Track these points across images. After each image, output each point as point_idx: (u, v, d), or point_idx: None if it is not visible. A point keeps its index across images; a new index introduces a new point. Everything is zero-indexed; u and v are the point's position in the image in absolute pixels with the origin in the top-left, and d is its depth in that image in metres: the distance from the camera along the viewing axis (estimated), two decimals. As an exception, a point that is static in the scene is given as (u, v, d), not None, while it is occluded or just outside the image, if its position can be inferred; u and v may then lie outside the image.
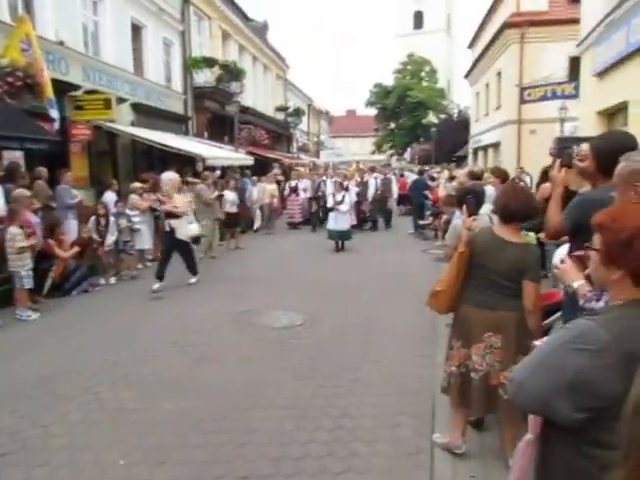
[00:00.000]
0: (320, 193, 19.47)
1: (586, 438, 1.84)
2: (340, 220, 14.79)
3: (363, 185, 19.38)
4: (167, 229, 10.37)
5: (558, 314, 4.47)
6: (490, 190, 7.25)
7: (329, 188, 18.02)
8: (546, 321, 4.40)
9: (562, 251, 4.22)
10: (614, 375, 1.71)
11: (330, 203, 15.55)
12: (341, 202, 14.88)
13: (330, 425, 4.86)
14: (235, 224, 15.56)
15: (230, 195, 15.28)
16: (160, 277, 10.15)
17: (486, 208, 5.80)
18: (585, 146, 3.89)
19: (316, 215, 19.85)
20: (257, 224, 19.16)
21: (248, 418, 5.00)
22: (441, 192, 14.09)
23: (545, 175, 11.08)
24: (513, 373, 2.03)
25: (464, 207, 4.41)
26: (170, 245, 10.43)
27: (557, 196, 3.94)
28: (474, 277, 4.05)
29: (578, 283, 2.76)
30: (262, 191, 19.12)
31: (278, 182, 21.85)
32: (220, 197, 14.16)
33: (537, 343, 2.58)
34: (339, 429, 4.80)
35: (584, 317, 1.97)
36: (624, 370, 1.66)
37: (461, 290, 4.13)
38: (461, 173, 12.11)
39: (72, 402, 5.34)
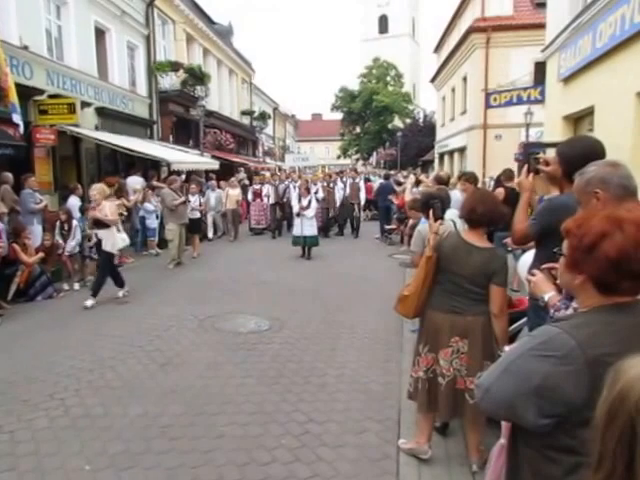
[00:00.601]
0: (285, 199, 18.83)
1: (550, 443, 1.86)
2: (306, 226, 14.28)
3: (329, 191, 18.74)
4: (94, 240, 9.83)
5: (523, 320, 4.58)
6: (456, 195, 7.27)
7: (294, 193, 17.18)
8: (511, 327, 4.45)
9: (527, 257, 4.32)
10: (579, 381, 1.73)
11: (296, 208, 14.80)
12: (307, 207, 14.35)
13: (297, 430, 4.88)
14: (196, 230, 15.06)
15: (191, 200, 14.86)
16: (122, 284, 9.87)
17: (450, 213, 5.87)
18: (551, 152, 3.92)
19: (278, 221, 19.36)
20: (211, 233, 18.25)
21: (215, 423, 5.00)
22: (407, 197, 14.00)
23: (499, 181, 11.30)
24: (481, 379, 2.03)
25: (430, 212, 4.42)
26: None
27: (524, 202, 3.96)
28: (441, 282, 4.09)
29: (549, 295, 2.79)
30: (225, 197, 18.57)
31: (244, 187, 21.65)
32: (184, 202, 13.59)
33: (507, 348, 2.63)
34: (306, 434, 4.81)
35: (550, 323, 1.99)
36: (590, 376, 1.69)
37: (428, 295, 4.15)
38: (429, 179, 12.16)
39: (38, 408, 5.30)
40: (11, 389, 5.78)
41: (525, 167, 4.07)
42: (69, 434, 4.80)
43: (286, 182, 19.95)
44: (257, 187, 19.68)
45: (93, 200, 9.52)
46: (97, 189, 9.62)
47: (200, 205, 15.34)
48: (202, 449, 4.57)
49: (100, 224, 9.42)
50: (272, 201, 19.08)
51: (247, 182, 23.46)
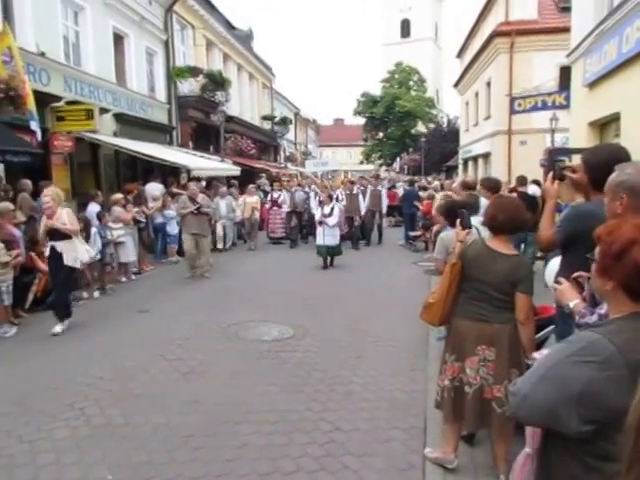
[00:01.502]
0: (305, 206, 18.29)
1: (590, 450, 1.85)
2: (329, 234, 13.66)
3: (352, 198, 17.60)
4: (49, 253, 8.38)
5: (550, 328, 4.58)
6: (484, 201, 7.06)
7: (314, 200, 17.16)
8: (539, 335, 4.42)
9: (554, 263, 4.27)
10: (621, 386, 1.72)
11: (317, 216, 14.26)
12: (329, 215, 13.76)
13: (322, 439, 4.81)
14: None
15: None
16: (68, 314, 8.47)
17: (474, 220, 5.63)
18: (577, 158, 3.87)
19: (296, 230, 18.29)
20: (220, 244, 16.86)
21: (238, 433, 4.91)
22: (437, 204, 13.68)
23: (513, 191, 11.15)
24: (516, 386, 2.02)
25: (457, 220, 4.32)
26: (57, 273, 8.41)
27: (550, 209, 3.97)
28: (467, 289, 4.05)
29: (574, 303, 2.82)
30: (242, 204, 17.74)
31: (266, 193, 21.39)
32: (193, 212, 12.60)
33: (536, 356, 2.83)
34: (331, 443, 4.74)
35: (587, 329, 2.01)
36: (630, 381, 1.66)
37: (454, 303, 4.12)
38: (453, 185, 11.91)
39: (57, 418, 5.21)
40: (30, 399, 5.71)
41: (550, 174, 4.07)
42: (90, 444, 4.73)
43: (306, 189, 19.47)
44: (275, 195, 18.95)
45: (46, 207, 8.22)
46: (50, 194, 8.29)
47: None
48: (225, 458, 4.49)
49: (58, 235, 8.24)
50: (288, 209, 18.23)
51: (267, 188, 22.99)
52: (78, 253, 8.44)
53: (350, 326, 8.39)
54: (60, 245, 8.23)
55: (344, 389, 5.91)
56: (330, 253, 13.79)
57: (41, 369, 6.68)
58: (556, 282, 3.08)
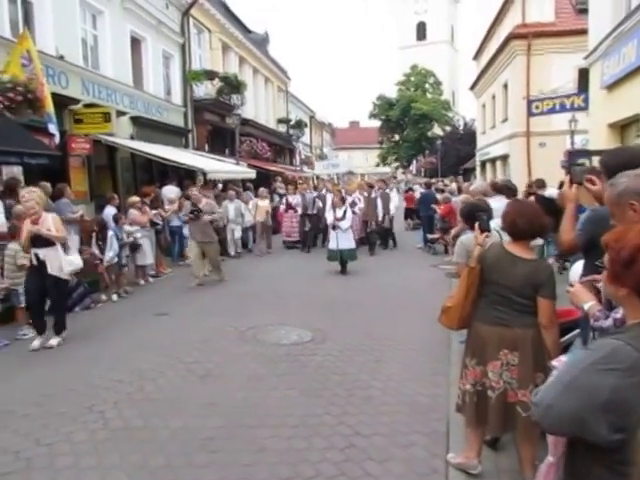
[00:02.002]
0: (315, 210, 17.72)
1: (617, 457, 1.83)
2: (342, 239, 13.12)
3: (369, 201, 16.95)
4: (34, 262, 7.64)
5: (576, 332, 4.46)
6: (497, 204, 6.97)
7: (328, 203, 15.65)
8: (564, 338, 4.36)
9: (578, 266, 4.21)
10: None
11: (330, 220, 13.70)
12: (342, 218, 13.29)
13: (342, 444, 4.73)
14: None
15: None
16: (41, 329, 7.77)
17: (494, 223, 5.60)
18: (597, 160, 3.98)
19: (310, 234, 17.86)
20: (232, 249, 16.34)
21: (256, 437, 4.87)
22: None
23: (531, 194, 11.10)
24: (539, 396, 1.98)
25: (476, 224, 4.26)
26: (39, 286, 7.68)
27: (570, 212, 3.94)
28: (486, 294, 4.00)
29: (588, 305, 2.82)
30: (254, 208, 17.15)
31: (281, 196, 21.25)
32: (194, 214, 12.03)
33: (555, 364, 2.76)
34: (351, 448, 4.67)
35: (608, 336, 1.99)
36: None
37: (473, 307, 4.07)
38: (472, 187, 11.80)
39: (76, 421, 5.21)
40: (49, 401, 5.69)
41: (568, 178, 4.07)
42: (109, 447, 4.72)
43: (323, 191, 18.97)
44: (291, 198, 18.44)
45: (31, 211, 7.53)
46: (34, 197, 7.56)
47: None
48: (244, 462, 4.45)
49: (41, 242, 7.55)
50: (300, 211, 17.89)
51: (282, 191, 22.34)
52: (62, 262, 7.74)
53: (369, 329, 8.31)
54: (43, 253, 7.59)
55: (364, 393, 5.84)
56: (344, 258, 13.29)
57: (59, 371, 6.67)
58: (569, 285, 3.08)
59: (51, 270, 7.56)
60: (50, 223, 7.63)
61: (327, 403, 5.58)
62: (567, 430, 1.96)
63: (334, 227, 13.29)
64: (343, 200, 14.10)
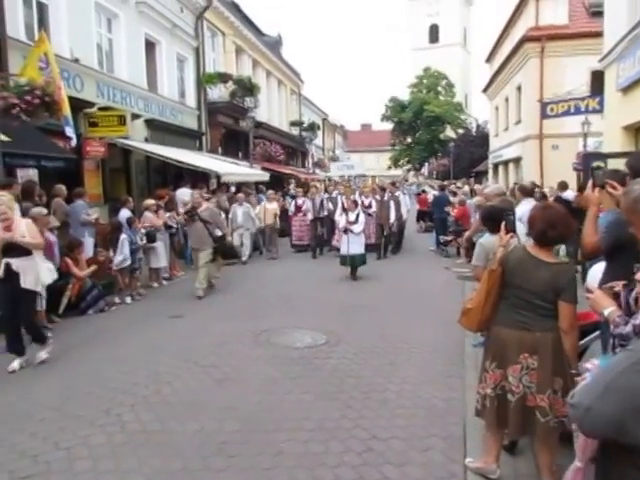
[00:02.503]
0: (325, 213, 17.23)
1: None
2: (353, 243, 12.73)
3: (382, 205, 16.24)
4: (1, 274, 6.72)
5: (593, 335, 4.51)
6: (526, 207, 6.93)
7: (338, 206, 15.03)
8: (582, 342, 4.33)
9: (597, 269, 4.25)
10: None
11: (342, 224, 13.19)
12: (355, 222, 12.90)
13: (359, 447, 4.72)
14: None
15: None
16: (19, 351, 6.96)
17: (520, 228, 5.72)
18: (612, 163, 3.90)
19: (319, 238, 17.27)
20: (246, 254, 15.64)
21: (274, 440, 4.86)
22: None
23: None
24: (577, 398, 1.96)
25: (502, 224, 4.25)
26: (10, 300, 6.84)
27: (592, 216, 3.97)
28: (507, 297, 3.97)
29: (608, 310, 2.78)
30: (262, 211, 16.68)
31: (293, 197, 20.99)
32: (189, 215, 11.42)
33: (588, 366, 2.80)
34: (369, 452, 4.65)
35: None
36: None
37: (493, 309, 4.05)
38: (487, 190, 11.77)
39: (94, 424, 5.21)
40: (66, 405, 5.70)
41: (591, 181, 4.09)
42: (126, 450, 4.72)
43: (334, 194, 18.39)
44: (300, 201, 17.88)
45: (3, 217, 6.75)
46: (4, 201, 6.87)
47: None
48: (262, 467, 4.44)
49: (16, 251, 6.78)
50: (311, 216, 17.20)
51: (294, 193, 21.32)
52: (40, 273, 7.05)
53: (383, 332, 8.30)
54: (17, 263, 6.74)
55: (379, 396, 5.83)
56: (355, 263, 12.89)
57: (76, 374, 6.68)
58: (588, 291, 3.05)
59: (24, 284, 6.76)
60: (24, 229, 6.86)
61: (343, 406, 5.56)
62: (606, 433, 1.93)
63: (346, 231, 12.89)
64: (356, 204, 13.74)
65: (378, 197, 16.70)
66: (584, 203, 4.40)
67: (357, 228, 12.90)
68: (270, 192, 18.20)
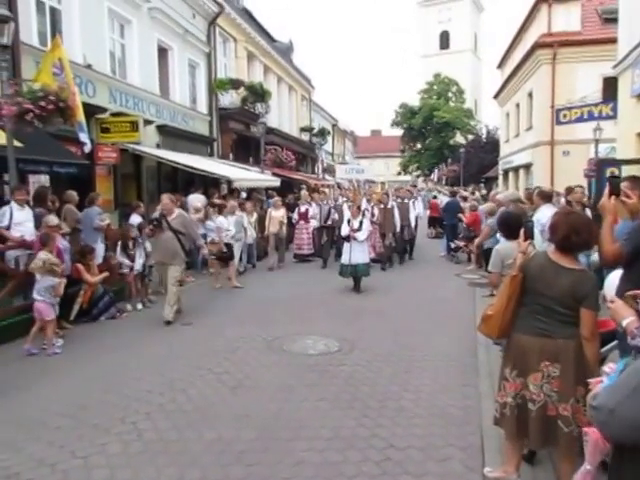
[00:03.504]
0: (330, 221, 16.37)
1: None
2: (356, 252, 11.95)
3: (386, 212, 15.49)
4: None
5: (614, 343, 4.43)
6: (547, 213, 6.88)
7: (346, 214, 14.06)
8: (602, 349, 4.27)
9: (614, 276, 4.24)
10: None
11: (345, 231, 12.31)
12: (358, 229, 12.09)
13: (377, 457, 4.68)
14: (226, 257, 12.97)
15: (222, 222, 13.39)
16: None
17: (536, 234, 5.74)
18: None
19: (327, 248, 16.44)
20: (242, 265, 14.77)
21: (292, 449, 4.83)
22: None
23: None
24: (600, 400, 1.94)
25: (521, 231, 4.25)
26: None
27: (609, 224, 3.96)
28: (528, 303, 3.94)
29: (627, 321, 2.71)
30: (267, 219, 15.86)
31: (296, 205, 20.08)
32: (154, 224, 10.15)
33: (607, 370, 2.73)
34: (386, 461, 4.61)
35: None
36: None
37: (513, 316, 4.00)
38: (500, 196, 11.68)
39: (110, 432, 5.19)
40: (82, 413, 5.68)
41: (607, 190, 4.05)
42: (144, 459, 4.69)
43: (339, 201, 17.44)
44: (303, 209, 17.04)
45: None
46: None
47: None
48: (282, 476, 4.42)
49: None
50: (317, 224, 16.57)
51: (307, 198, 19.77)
52: None
53: (396, 339, 8.28)
54: None
55: (395, 405, 5.81)
56: (358, 273, 12.12)
57: (90, 382, 6.65)
58: (610, 301, 2.99)
59: None
60: None
61: (359, 415, 5.53)
62: (631, 437, 1.89)
63: (348, 238, 12.13)
64: (359, 209, 13.14)
65: (382, 205, 15.88)
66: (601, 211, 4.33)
67: (361, 236, 12.16)
68: (276, 199, 17.23)
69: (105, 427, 5.30)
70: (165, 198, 10.10)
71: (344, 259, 12.20)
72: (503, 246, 5.71)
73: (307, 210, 16.99)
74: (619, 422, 1.84)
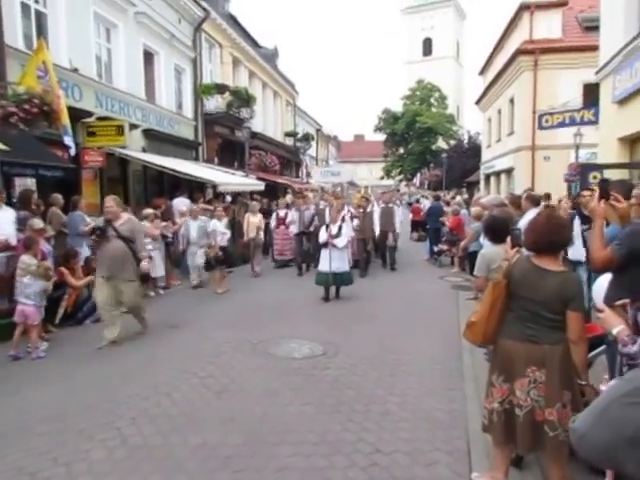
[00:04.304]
0: (312, 227, 15.44)
1: None
2: (336, 259, 11.33)
3: (365, 217, 15.19)
4: None
5: (602, 348, 4.46)
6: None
7: (327, 219, 12.85)
8: (589, 355, 4.25)
9: (602, 281, 4.23)
10: None
11: (323, 237, 11.68)
12: (337, 235, 11.50)
13: (363, 462, 4.64)
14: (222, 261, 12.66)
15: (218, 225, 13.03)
16: None
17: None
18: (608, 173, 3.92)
19: (305, 254, 15.77)
20: (194, 277, 13.41)
21: (277, 454, 4.78)
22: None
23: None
24: (575, 423, 1.97)
25: (509, 238, 4.26)
26: None
27: (598, 228, 3.94)
28: (513, 309, 3.93)
29: (617, 329, 2.74)
30: (245, 224, 15.31)
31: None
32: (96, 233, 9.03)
33: (603, 388, 2.84)
34: (373, 466, 4.58)
35: None
36: None
37: (499, 322, 3.98)
38: (485, 200, 11.83)
39: (94, 438, 5.10)
40: (63, 418, 5.58)
41: (597, 194, 4.06)
42: (128, 466, 4.62)
43: (321, 206, 16.34)
44: (282, 213, 16.38)
45: None
46: None
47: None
48: None
49: None
50: (295, 230, 15.76)
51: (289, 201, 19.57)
52: None
53: (381, 343, 8.29)
54: None
55: (381, 408, 5.80)
56: (337, 282, 11.59)
57: (74, 386, 6.60)
58: (598, 310, 3.03)
59: None
60: None
61: (345, 419, 5.52)
62: (599, 461, 1.93)
63: (326, 245, 11.50)
64: (339, 213, 12.51)
65: (361, 209, 15.59)
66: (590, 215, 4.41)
67: (340, 242, 11.53)
68: (254, 203, 16.61)
69: (89, 433, 5.22)
70: (109, 200, 8.61)
71: (322, 266, 11.58)
72: (489, 250, 5.74)
73: (286, 215, 16.32)
74: (588, 446, 1.86)
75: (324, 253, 11.56)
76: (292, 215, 16.08)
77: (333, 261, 11.29)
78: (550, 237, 3.80)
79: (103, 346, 8.11)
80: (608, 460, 1.83)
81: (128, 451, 4.87)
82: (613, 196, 3.95)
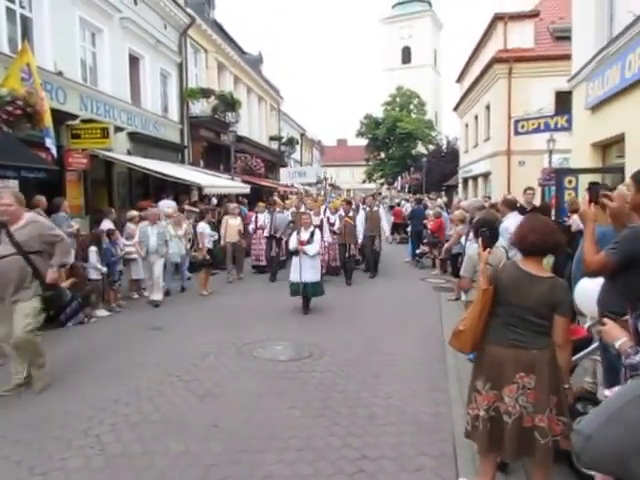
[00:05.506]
0: (286, 236, 14.46)
1: None
2: (306, 268, 10.43)
3: (347, 221, 14.60)
4: None
5: (585, 351, 4.48)
6: (513, 221, 7.10)
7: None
8: (573, 357, 4.25)
9: (585, 285, 4.30)
10: None
11: (292, 244, 10.77)
12: (308, 242, 10.57)
13: (349, 469, 4.53)
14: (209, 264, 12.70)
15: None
16: None
17: (502, 241, 5.85)
18: (621, 187, 3.96)
19: (273, 260, 15.02)
20: (155, 292, 11.44)
21: (262, 462, 4.62)
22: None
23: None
24: (581, 425, 1.85)
25: (479, 240, 4.30)
26: None
27: (590, 232, 3.87)
28: (501, 315, 3.86)
29: (620, 342, 2.71)
30: (224, 227, 14.65)
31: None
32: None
33: (607, 393, 2.62)
34: (359, 473, 4.47)
35: None
36: None
37: (485, 329, 3.92)
38: (465, 203, 12.09)
39: (71, 446, 4.91)
40: (42, 424, 5.37)
41: (587, 197, 4.01)
42: (106, 476, 4.42)
43: (302, 208, 16.05)
44: (261, 217, 15.60)
45: None
46: None
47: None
48: None
49: None
50: (266, 233, 15.15)
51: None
52: None
53: (365, 344, 8.32)
54: None
55: (366, 412, 5.72)
56: (308, 293, 10.64)
57: (53, 390, 6.39)
58: (601, 323, 2.97)
59: None
60: None
61: (330, 423, 5.43)
62: (608, 468, 1.79)
63: (297, 253, 10.63)
64: (310, 219, 11.59)
65: (342, 213, 14.94)
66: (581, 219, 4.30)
67: (311, 250, 10.58)
68: (233, 206, 15.95)
69: (67, 440, 5.03)
70: (5, 197, 6.27)
71: (293, 277, 10.66)
72: (475, 252, 5.53)
73: (257, 218, 15.70)
74: (595, 451, 1.73)
75: (295, 261, 10.72)
76: (264, 218, 15.42)
77: (303, 271, 10.42)
78: (534, 241, 3.77)
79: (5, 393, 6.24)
80: (617, 465, 1.68)
81: (106, 460, 4.68)
82: (606, 196, 3.93)
